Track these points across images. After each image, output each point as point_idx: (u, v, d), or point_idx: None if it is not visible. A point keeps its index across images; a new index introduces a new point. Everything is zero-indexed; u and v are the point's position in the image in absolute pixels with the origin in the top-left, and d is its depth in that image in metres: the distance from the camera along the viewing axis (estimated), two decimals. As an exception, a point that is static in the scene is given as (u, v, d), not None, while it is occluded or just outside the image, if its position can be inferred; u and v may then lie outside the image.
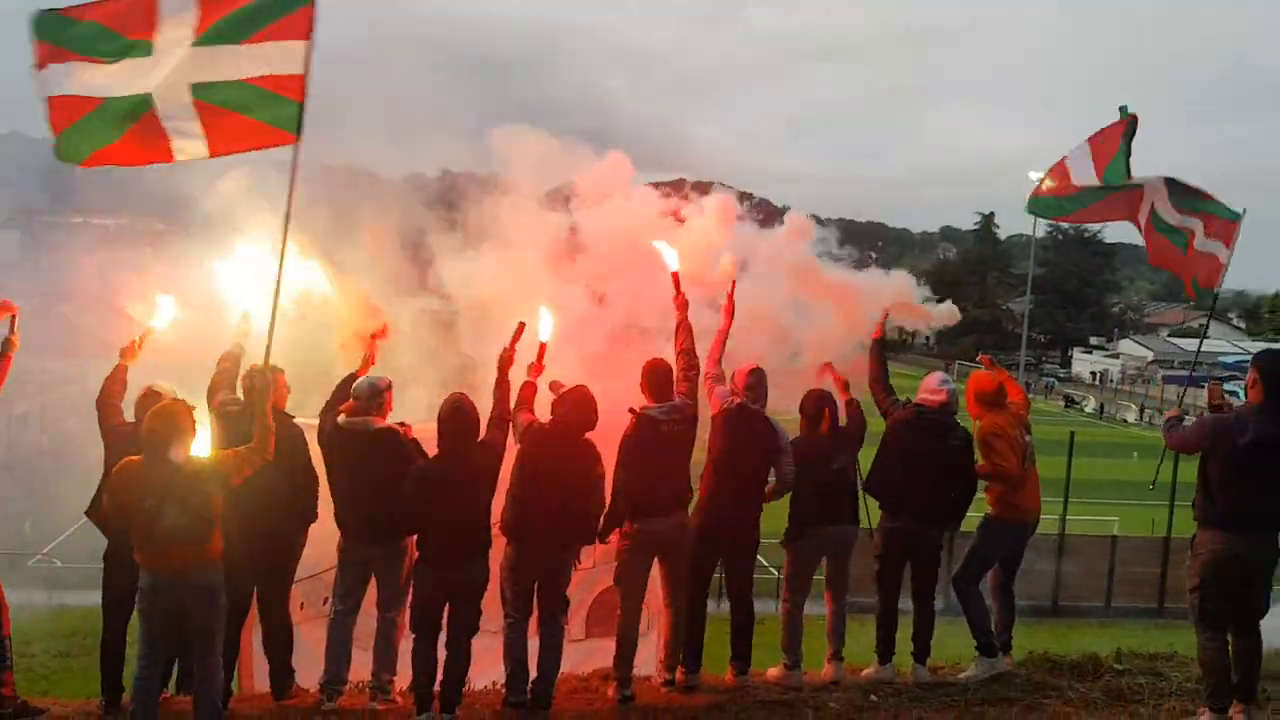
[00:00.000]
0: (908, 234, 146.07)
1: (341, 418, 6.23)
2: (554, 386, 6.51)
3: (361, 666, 6.48)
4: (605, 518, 6.44)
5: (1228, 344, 67.08)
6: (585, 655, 7.42)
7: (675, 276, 7.05)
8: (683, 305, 6.91)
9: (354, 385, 6.29)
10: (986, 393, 7.01)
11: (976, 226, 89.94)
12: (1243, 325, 79.95)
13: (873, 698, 6.61)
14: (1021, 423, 7.05)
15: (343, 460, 6.21)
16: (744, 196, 9.92)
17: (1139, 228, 7.46)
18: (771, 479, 6.79)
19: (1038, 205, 7.72)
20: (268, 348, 5.68)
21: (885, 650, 7.07)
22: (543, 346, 6.68)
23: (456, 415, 6.01)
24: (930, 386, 6.91)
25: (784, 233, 8.31)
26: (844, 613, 7.10)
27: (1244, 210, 7.06)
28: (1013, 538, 7.14)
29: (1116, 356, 78.73)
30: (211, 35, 5.49)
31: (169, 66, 5.47)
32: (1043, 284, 77.92)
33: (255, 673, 6.79)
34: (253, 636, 6.58)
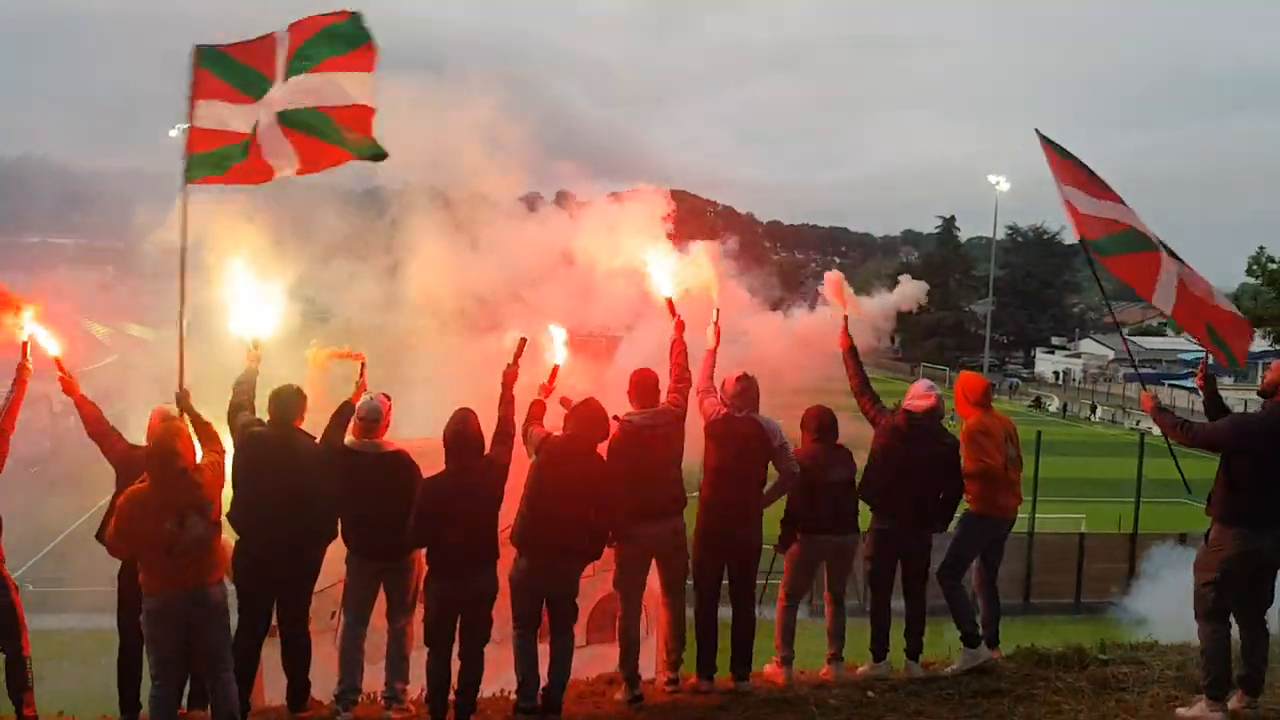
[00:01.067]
0: (870, 238, 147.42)
1: (350, 439, 6.39)
2: (564, 402, 6.70)
3: (371, 677, 6.62)
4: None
5: (1185, 340, 68.21)
6: (586, 662, 7.57)
7: (670, 303, 7.40)
8: (679, 327, 7.23)
9: (359, 408, 6.42)
10: (975, 393, 7.29)
11: (938, 230, 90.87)
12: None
13: (870, 694, 6.84)
14: (1007, 430, 7.33)
15: (353, 482, 6.34)
16: (707, 204, 10.25)
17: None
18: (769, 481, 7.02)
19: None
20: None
21: (879, 648, 7.31)
22: (555, 368, 6.93)
23: (462, 431, 6.20)
24: (918, 393, 7.17)
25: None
26: (844, 615, 7.32)
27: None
28: (991, 533, 7.41)
29: (1078, 356, 79.91)
30: (290, 68, 6.07)
31: (268, 103, 6.04)
32: (1004, 286, 79.09)
33: (266, 686, 6.91)
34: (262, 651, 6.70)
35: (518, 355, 6.71)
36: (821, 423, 7.20)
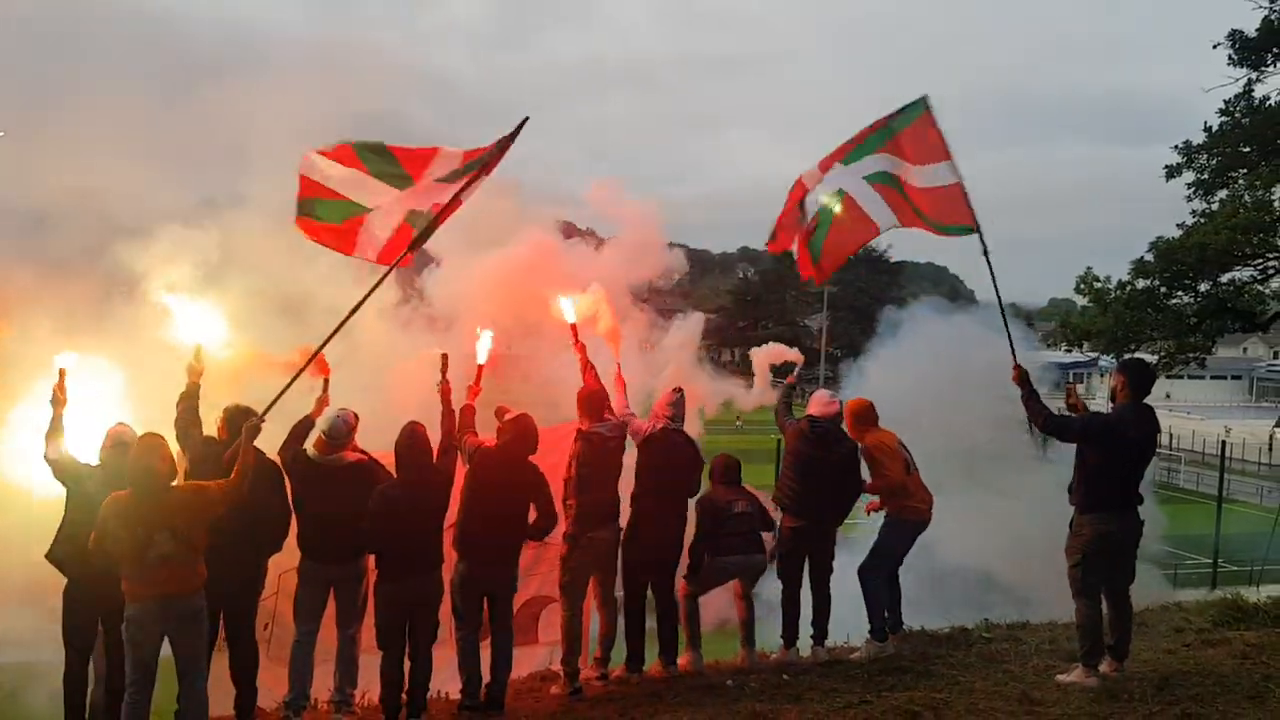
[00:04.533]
0: (709, 254, 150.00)
1: (313, 452, 6.57)
2: (499, 411, 7.07)
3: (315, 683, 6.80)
4: (565, 536, 7.11)
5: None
6: (514, 662, 7.92)
7: (574, 329, 7.92)
8: (582, 349, 7.79)
9: (327, 424, 6.58)
10: (861, 412, 8.03)
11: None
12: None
13: (785, 677, 7.43)
14: (900, 441, 8.06)
15: (316, 492, 6.55)
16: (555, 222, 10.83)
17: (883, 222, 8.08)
18: None
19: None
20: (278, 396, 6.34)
21: (790, 635, 7.92)
22: (480, 369, 7.28)
23: (412, 442, 6.55)
24: (821, 401, 7.84)
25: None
26: (753, 606, 7.89)
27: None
28: (912, 533, 8.11)
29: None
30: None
31: (403, 198, 6.69)
32: (837, 301, 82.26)
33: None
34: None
35: (444, 370, 7.04)
36: (728, 468, 7.87)
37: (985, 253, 7.64)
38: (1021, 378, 7.22)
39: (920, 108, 7.83)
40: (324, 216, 6.71)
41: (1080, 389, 7.62)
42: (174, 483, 5.78)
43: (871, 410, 8.14)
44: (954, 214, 7.67)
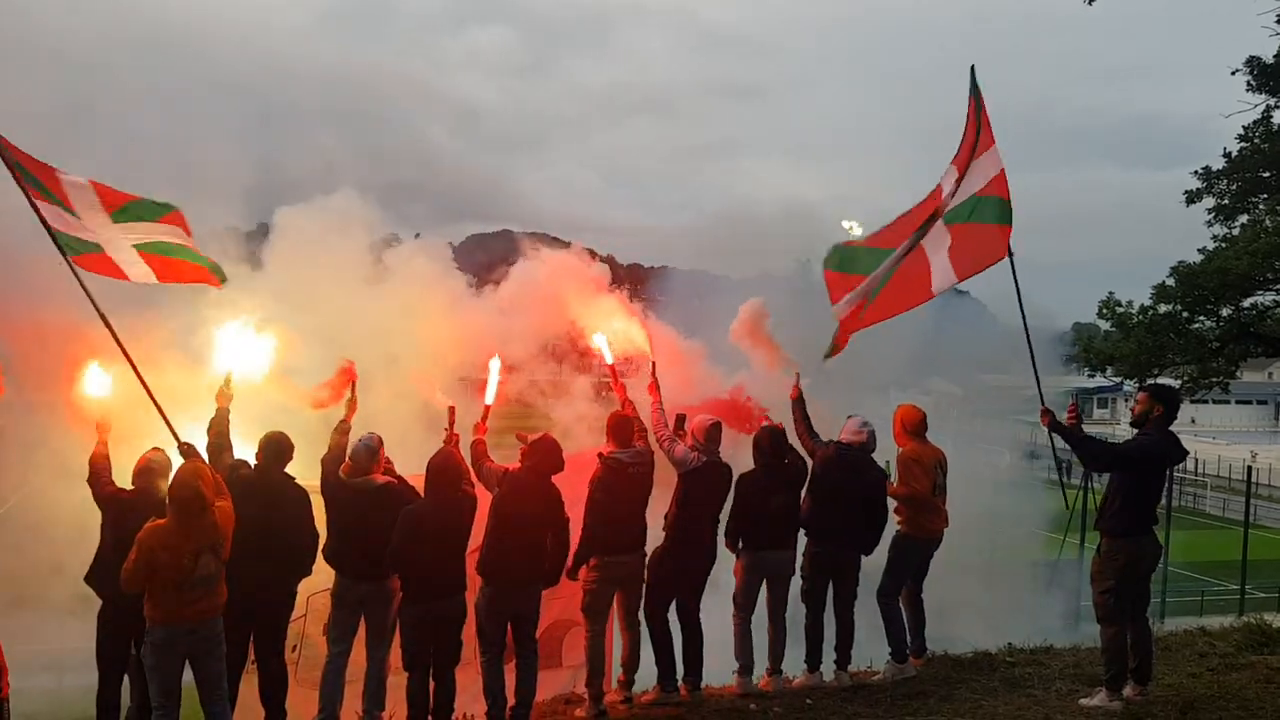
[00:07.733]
0: (728, 279, 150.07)
1: (342, 474, 6.75)
2: (520, 437, 7.19)
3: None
4: (575, 555, 7.15)
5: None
6: (539, 685, 7.99)
7: (612, 369, 8.10)
8: (621, 389, 7.92)
9: (351, 450, 6.79)
10: (911, 423, 8.06)
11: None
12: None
13: (809, 701, 7.47)
14: (939, 461, 8.08)
15: (346, 511, 6.74)
16: (567, 246, 10.98)
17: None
18: None
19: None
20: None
21: (814, 660, 7.95)
22: (487, 408, 7.50)
23: (446, 465, 6.72)
24: (852, 429, 7.86)
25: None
26: (784, 631, 7.90)
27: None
28: (921, 552, 8.15)
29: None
30: (123, 215, 7.04)
31: (104, 231, 6.91)
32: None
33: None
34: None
35: (451, 423, 7.31)
36: (774, 444, 7.77)
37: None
38: (1054, 423, 7.15)
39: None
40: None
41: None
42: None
43: (922, 422, 8.09)
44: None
